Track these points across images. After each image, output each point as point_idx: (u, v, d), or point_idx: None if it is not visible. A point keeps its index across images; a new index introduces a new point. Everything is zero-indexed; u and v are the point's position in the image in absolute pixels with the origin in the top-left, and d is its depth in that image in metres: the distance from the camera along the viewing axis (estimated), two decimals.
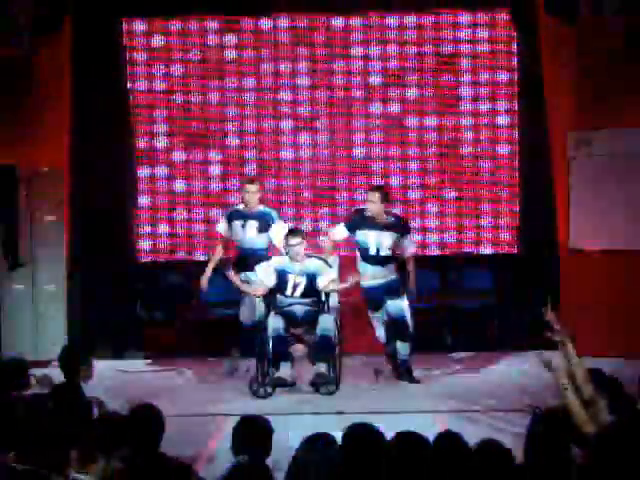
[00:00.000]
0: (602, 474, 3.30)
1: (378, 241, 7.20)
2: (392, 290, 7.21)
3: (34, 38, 7.95)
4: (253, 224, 7.40)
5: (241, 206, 7.55)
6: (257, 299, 7.21)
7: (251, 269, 7.22)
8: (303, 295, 7.00)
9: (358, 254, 7.34)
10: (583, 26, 7.86)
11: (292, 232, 7.14)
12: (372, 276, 7.20)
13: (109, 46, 8.75)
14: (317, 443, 3.42)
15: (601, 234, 8.09)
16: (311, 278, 6.99)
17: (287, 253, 7.04)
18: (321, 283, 7.01)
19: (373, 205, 7.20)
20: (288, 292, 7.00)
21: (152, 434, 3.76)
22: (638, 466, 3.25)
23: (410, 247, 7.37)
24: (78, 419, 3.87)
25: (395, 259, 7.35)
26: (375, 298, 7.28)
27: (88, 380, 5.18)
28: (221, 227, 7.62)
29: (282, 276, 7.01)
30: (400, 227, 7.32)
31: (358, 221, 7.29)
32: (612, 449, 3.31)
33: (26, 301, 8.13)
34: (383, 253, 7.22)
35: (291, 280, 6.98)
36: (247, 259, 7.37)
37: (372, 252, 7.21)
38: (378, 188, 7.56)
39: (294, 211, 8.95)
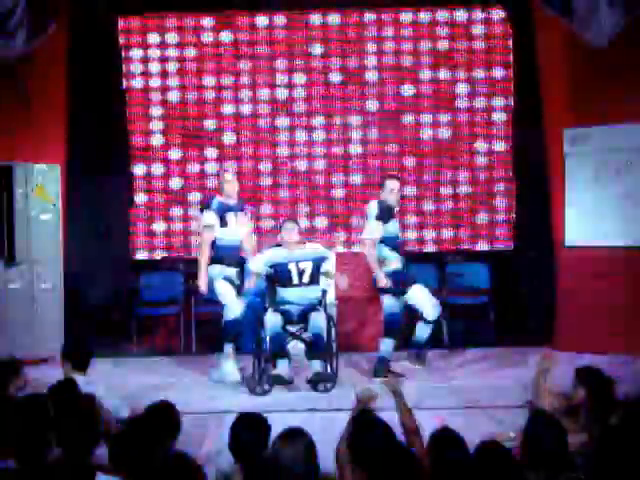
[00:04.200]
0: (600, 471, 3.32)
1: (398, 228, 7.32)
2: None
3: (30, 36, 7.91)
4: (240, 215, 7.27)
5: (219, 197, 7.19)
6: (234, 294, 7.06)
7: (236, 264, 7.13)
8: (310, 281, 6.99)
9: (383, 244, 7.08)
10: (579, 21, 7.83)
11: (287, 219, 7.35)
12: (399, 261, 7.14)
13: (105, 44, 8.76)
14: (291, 438, 3.43)
15: (597, 230, 8.09)
16: (318, 262, 7.01)
17: (279, 245, 7.08)
18: (330, 268, 7.17)
19: (395, 194, 7.16)
20: (295, 281, 6.97)
21: (169, 431, 3.79)
22: (634, 465, 3.27)
23: None
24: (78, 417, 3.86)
25: None
26: (402, 280, 7.09)
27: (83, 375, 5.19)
28: (212, 219, 7.09)
29: (281, 267, 6.97)
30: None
31: (386, 212, 7.09)
32: (610, 448, 3.33)
33: (23, 299, 8.12)
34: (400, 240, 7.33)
35: (293, 268, 6.97)
36: (233, 254, 7.17)
37: (399, 240, 7.24)
38: (394, 176, 7.53)
39: (290, 208, 8.96)
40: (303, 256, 7.00)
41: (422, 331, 7.22)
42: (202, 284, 7.07)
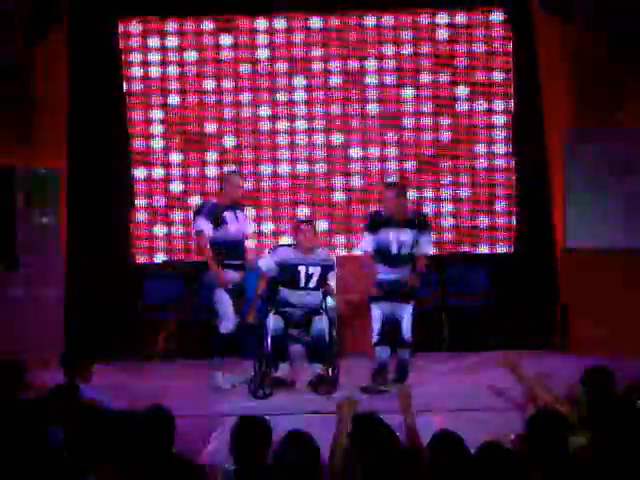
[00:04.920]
0: (600, 471, 3.32)
1: (399, 239, 6.97)
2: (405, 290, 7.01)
3: (31, 40, 7.95)
4: (242, 215, 7.19)
5: (215, 200, 7.24)
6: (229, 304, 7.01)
7: (238, 266, 7.10)
8: (317, 286, 6.96)
9: (375, 255, 7.00)
10: (580, 25, 7.86)
11: (304, 221, 7.26)
12: (386, 272, 6.99)
13: (105, 47, 8.78)
14: (296, 442, 3.43)
15: (598, 233, 8.11)
16: (326, 269, 6.97)
17: (294, 245, 7.03)
18: (332, 282, 7.09)
19: (389, 203, 6.97)
20: (301, 284, 6.92)
21: (163, 435, 3.78)
22: (634, 465, 3.27)
23: (426, 246, 7.07)
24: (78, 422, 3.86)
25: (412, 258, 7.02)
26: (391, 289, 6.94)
27: (86, 382, 5.19)
28: (202, 225, 7.02)
29: (290, 268, 6.91)
30: (418, 224, 7.04)
31: (375, 222, 6.99)
32: (609, 448, 3.33)
33: (24, 303, 8.12)
34: (404, 252, 6.98)
35: (302, 271, 6.92)
36: (234, 254, 7.09)
37: (394, 251, 6.96)
38: (393, 185, 7.48)
39: (291, 211, 8.96)
40: (314, 260, 6.96)
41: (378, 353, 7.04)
42: (220, 277, 6.97)
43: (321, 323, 6.83)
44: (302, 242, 6.93)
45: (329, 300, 7.15)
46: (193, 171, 8.99)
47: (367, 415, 3.77)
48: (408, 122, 8.95)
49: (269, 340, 6.75)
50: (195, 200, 8.88)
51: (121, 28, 8.89)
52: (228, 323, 6.99)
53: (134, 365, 8.13)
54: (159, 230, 8.99)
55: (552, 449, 3.48)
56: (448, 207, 8.95)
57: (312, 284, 6.94)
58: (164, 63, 8.96)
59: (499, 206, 8.94)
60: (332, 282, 7.16)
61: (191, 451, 4.89)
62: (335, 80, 8.96)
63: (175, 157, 9.00)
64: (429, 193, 8.96)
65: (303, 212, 8.93)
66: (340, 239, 8.97)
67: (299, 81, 8.97)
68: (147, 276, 8.84)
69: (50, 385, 4.89)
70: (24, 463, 3.52)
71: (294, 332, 6.94)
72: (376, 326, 7.01)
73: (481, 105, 8.94)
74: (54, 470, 3.38)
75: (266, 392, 6.71)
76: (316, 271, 6.94)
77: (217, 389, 7.02)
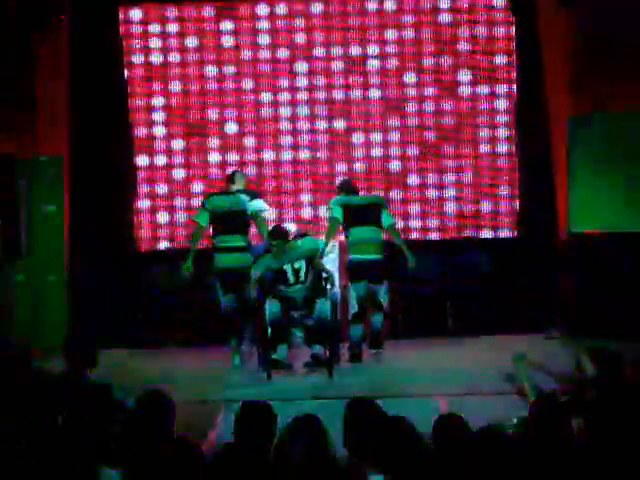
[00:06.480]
0: (600, 457, 3.33)
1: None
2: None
3: (32, 27, 7.95)
4: None
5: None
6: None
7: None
8: (306, 278, 7.01)
9: None
10: (582, 8, 7.84)
11: (273, 232, 7.08)
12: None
13: (106, 34, 8.76)
14: (301, 426, 3.45)
15: (600, 217, 8.11)
16: (309, 257, 7.01)
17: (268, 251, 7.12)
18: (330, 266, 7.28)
19: None
20: (292, 281, 7.01)
21: (163, 420, 3.80)
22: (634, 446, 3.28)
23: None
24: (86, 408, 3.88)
25: None
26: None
27: (92, 369, 5.21)
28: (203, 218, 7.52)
29: (277, 271, 7.01)
30: None
31: None
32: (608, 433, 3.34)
33: (26, 291, 8.14)
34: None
35: (289, 270, 7.00)
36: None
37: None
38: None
39: (293, 198, 8.95)
40: (296, 255, 7.01)
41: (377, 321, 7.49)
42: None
43: (325, 306, 6.87)
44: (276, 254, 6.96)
45: (331, 286, 7.17)
46: (195, 158, 8.97)
47: (362, 400, 3.77)
48: (411, 107, 8.92)
49: (268, 322, 6.80)
50: (198, 187, 8.89)
51: (121, 15, 8.86)
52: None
53: (135, 351, 8.15)
54: (162, 217, 8.98)
55: (554, 433, 3.49)
56: (451, 192, 8.93)
57: (302, 277, 7.00)
58: (165, 49, 8.93)
59: (502, 190, 8.92)
60: (331, 266, 7.22)
61: (196, 436, 4.91)
62: (337, 65, 8.93)
63: (177, 144, 8.98)
64: (432, 178, 8.94)
65: (305, 198, 8.93)
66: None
67: (301, 67, 8.94)
68: (151, 263, 8.84)
69: (55, 372, 4.91)
70: (34, 450, 3.53)
71: (295, 314, 6.99)
72: None
73: (483, 89, 8.91)
74: (64, 458, 3.39)
75: (266, 374, 6.76)
76: (302, 264, 7.00)
77: (224, 372, 7.06)
